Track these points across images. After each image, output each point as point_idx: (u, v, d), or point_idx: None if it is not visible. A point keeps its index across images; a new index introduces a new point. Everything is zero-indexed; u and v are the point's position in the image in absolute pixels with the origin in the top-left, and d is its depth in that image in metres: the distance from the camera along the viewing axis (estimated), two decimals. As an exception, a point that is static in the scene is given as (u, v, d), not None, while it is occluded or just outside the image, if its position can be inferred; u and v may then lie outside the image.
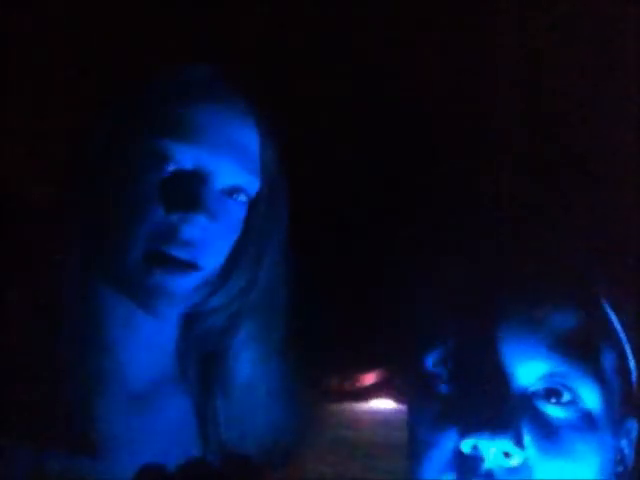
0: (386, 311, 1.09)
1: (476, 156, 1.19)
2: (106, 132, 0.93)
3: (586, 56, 1.15)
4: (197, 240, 0.88)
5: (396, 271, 1.04)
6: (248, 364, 0.95)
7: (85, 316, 0.90)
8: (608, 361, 0.75)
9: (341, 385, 1.16)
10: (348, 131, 1.21)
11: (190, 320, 0.96)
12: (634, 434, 0.79)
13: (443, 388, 0.75)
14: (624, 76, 1.12)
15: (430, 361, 0.76)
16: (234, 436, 0.94)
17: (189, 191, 0.88)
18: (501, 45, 1.20)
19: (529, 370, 0.72)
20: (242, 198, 0.93)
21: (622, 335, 0.78)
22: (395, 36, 1.22)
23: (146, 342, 0.94)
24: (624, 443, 0.78)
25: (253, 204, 0.94)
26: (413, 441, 0.77)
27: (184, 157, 0.89)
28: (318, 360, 1.01)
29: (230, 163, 0.91)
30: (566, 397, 0.72)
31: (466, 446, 0.70)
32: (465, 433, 0.70)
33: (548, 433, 0.71)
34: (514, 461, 0.70)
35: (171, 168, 0.89)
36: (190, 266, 0.89)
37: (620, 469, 0.78)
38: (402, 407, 0.84)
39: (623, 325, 0.78)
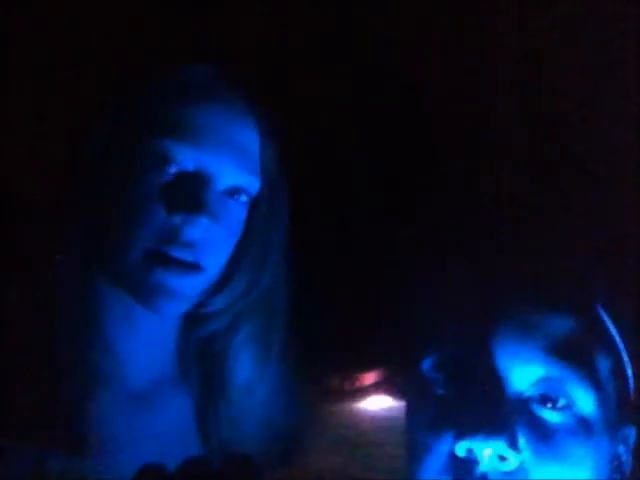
0: (386, 311, 1.09)
1: (476, 156, 1.19)
2: (106, 132, 0.93)
3: (586, 56, 1.15)
4: (199, 241, 0.88)
5: (396, 271, 1.04)
6: (248, 364, 0.95)
7: (85, 316, 0.90)
8: (604, 366, 0.75)
9: (341, 385, 1.16)
10: (348, 131, 1.21)
11: (192, 321, 0.96)
12: (632, 440, 0.79)
13: (439, 391, 0.75)
14: (624, 76, 1.12)
15: (427, 364, 0.76)
16: (234, 436, 0.94)
17: (191, 193, 0.88)
18: (501, 45, 1.20)
19: (524, 374, 0.72)
20: (243, 198, 0.93)
21: (619, 341, 0.78)
22: (395, 36, 1.22)
23: (146, 342, 0.94)
24: (622, 449, 0.78)
25: (254, 204, 0.94)
26: (411, 444, 0.77)
27: (185, 158, 0.89)
28: (318, 360, 1.01)
29: (231, 164, 0.91)
30: (561, 402, 0.72)
31: (461, 449, 0.70)
32: (460, 436, 0.70)
33: (544, 437, 0.71)
34: (509, 465, 0.70)
35: (173, 170, 0.89)
36: (192, 267, 0.89)
37: (618, 476, 0.77)
38: (402, 407, 0.84)
39: (621, 331, 0.78)
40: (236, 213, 0.92)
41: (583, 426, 0.72)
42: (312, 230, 1.08)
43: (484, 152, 1.20)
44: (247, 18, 1.24)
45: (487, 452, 0.69)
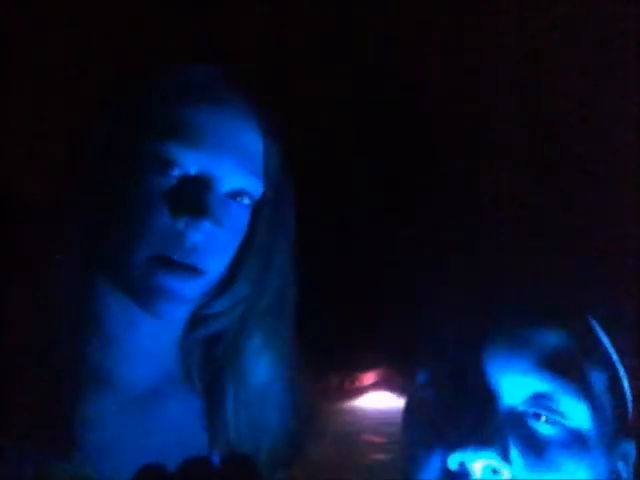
0: (386, 311, 1.09)
1: (476, 156, 1.19)
2: (106, 132, 0.92)
3: (586, 56, 1.15)
4: (201, 245, 0.88)
5: (396, 271, 1.04)
6: (264, 366, 0.95)
7: (85, 316, 0.90)
8: (598, 380, 0.75)
9: (341, 384, 1.16)
10: (348, 131, 1.21)
11: (193, 322, 0.95)
12: (632, 456, 0.79)
13: (432, 405, 0.75)
14: (624, 76, 1.12)
15: (421, 379, 0.76)
16: (243, 438, 0.94)
17: (194, 196, 0.88)
18: (501, 45, 1.20)
19: (517, 387, 0.72)
20: (246, 201, 0.92)
21: (613, 355, 0.78)
22: (395, 36, 1.22)
23: (146, 342, 0.93)
24: (621, 465, 0.77)
25: (257, 207, 0.94)
26: (406, 457, 0.78)
27: (188, 161, 0.88)
28: (318, 359, 1.01)
29: (234, 166, 0.90)
30: (554, 416, 0.72)
31: (453, 462, 0.70)
32: (452, 449, 0.70)
33: (536, 449, 0.71)
34: (502, 477, 0.70)
35: (175, 172, 0.88)
36: (194, 270, 0.89)
37: None
38: (401, 406, 0.84)
39: (615, 344, 0.78)
40: (239, 216, 0.92)
41: (577, 439, 0.72)
42: (312, 230, 1.08)
43: (484, 152, 1.20)
44: (247, 18, 1.24)
45: (479, 464, 0.69)
